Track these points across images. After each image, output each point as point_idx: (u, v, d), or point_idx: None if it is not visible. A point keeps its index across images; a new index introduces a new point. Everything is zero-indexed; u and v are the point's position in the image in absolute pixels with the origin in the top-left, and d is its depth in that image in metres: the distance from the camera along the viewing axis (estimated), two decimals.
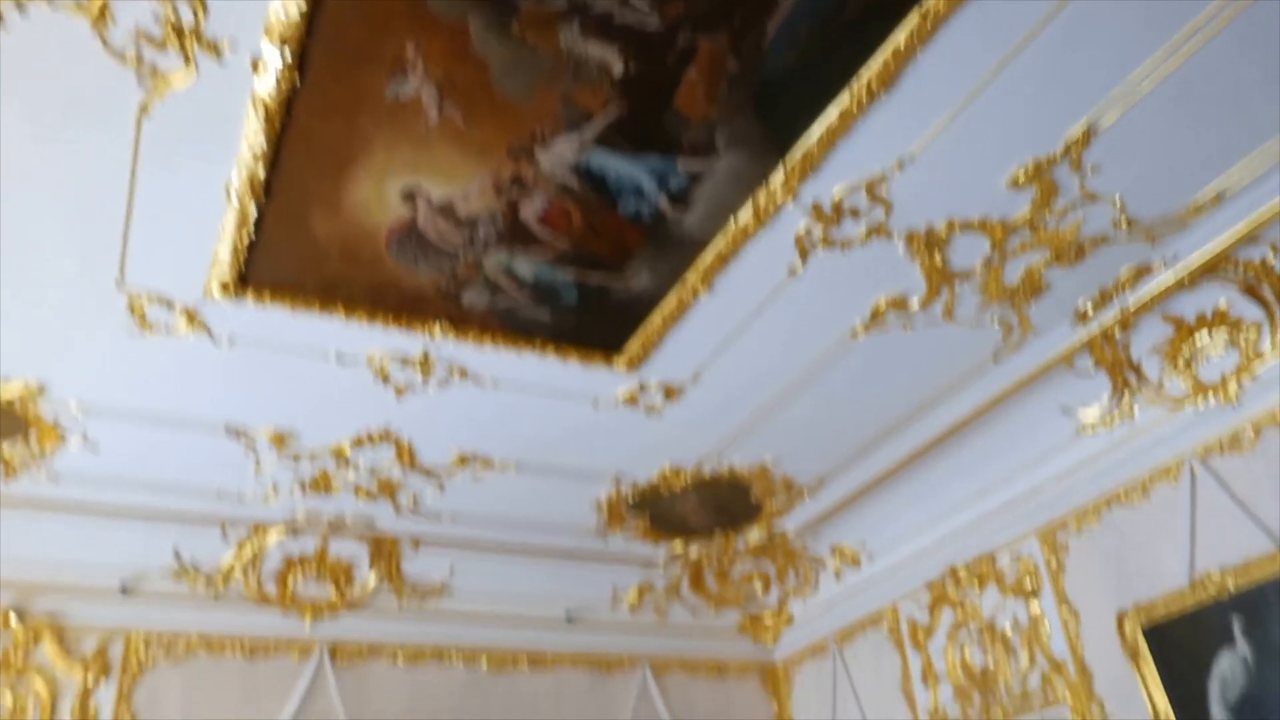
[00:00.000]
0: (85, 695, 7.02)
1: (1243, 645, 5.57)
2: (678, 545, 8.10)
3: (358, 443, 6.38)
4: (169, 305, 4.91)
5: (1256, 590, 5.49)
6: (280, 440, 6.26)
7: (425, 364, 5.60)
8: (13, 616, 6.94)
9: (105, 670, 7.18)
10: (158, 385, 5.60)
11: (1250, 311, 5.49)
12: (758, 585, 8.86)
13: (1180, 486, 6.11)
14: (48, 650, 7.02)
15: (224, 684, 7.50)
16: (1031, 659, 6.96)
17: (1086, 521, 6.71)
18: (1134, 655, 6.10)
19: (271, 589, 7.69)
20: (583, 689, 8.69)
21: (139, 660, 7.32)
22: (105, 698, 7.10)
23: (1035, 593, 7.02)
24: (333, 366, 5.52)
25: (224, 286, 4.76)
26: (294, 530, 7.38)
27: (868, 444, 6.85)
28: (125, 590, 7.36)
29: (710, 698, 9.15)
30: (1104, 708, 6.39)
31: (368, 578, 7.88)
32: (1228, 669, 5.66)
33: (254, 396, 5.82)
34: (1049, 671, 6.80)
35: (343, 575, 7.83)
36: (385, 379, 5.69)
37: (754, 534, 8.03)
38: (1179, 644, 5.90)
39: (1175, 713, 5.84)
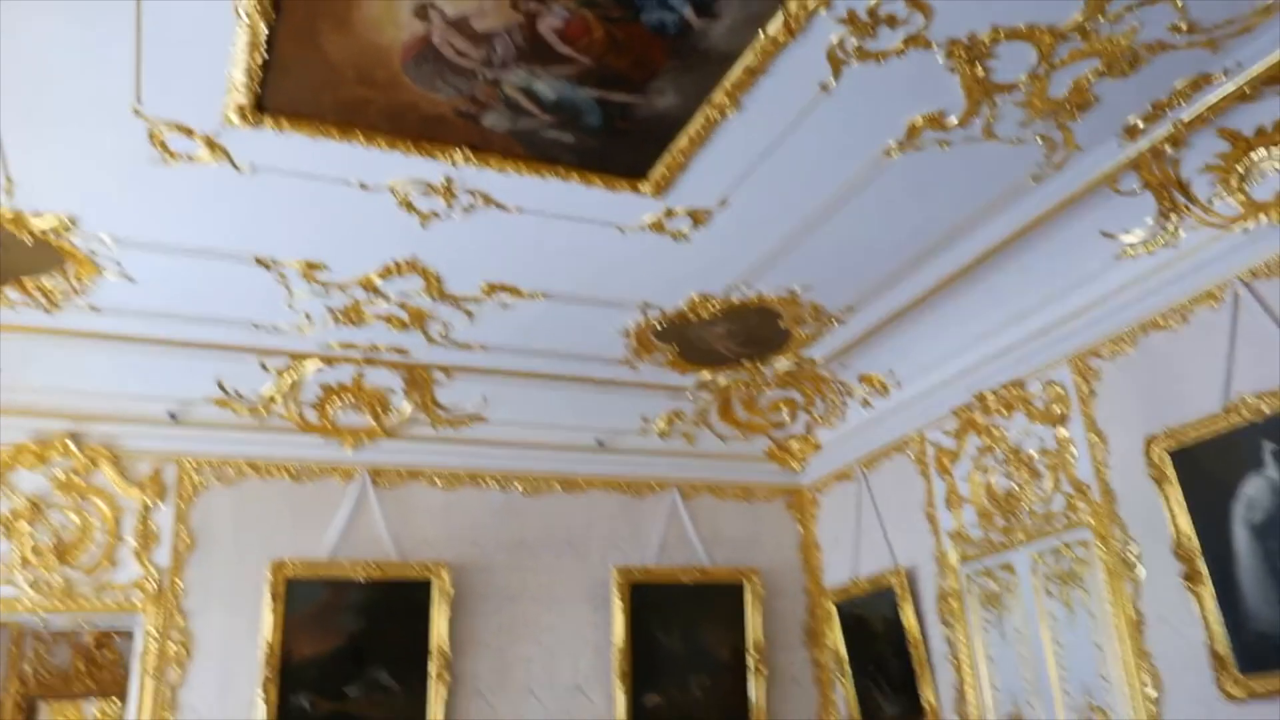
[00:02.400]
0: (145, 515, 7.45)
1: (1272, 469, 5.57)
2: (706, 374, 8.15)
3: (385, 273, 6.40)
4: (188, 133, 4.87)
5: None
6: (310, 271, 6.30)
7: (448, 191, 5.53)
8: (70, 443, 7.29)
9: (161, 492, 7.55)
10: (185, 216, 5.64)
11: None
12: (785, 413, 8.95)
13: (1222, 310, 5.98)
14: (106, 474, 7.42)
15: (273, 505, 7.89)
16: (1056, 483, 7.04)
17: (1121, 347, 6.64)
18: (1160, 479, 6.13)
19: (312, 416, 7.94)
20: (614, 511, 8.99)
21: (192, 483, 7.67)
22: (164, 517, 7.53)
23: (1064, 419, 7.03)
24: (356, 194, 5.48)
25: (241, 112, 4.70)
26: (330, 360, 7.52)
27: (899, 270, 6.73)
28: (174, 418, 7.64)
29: (737, 520, 9.44)
30: (1125, 530, 6.49)
31: (404, 406, 8.07)
32: (1254, 492, 5.69)
33: (280, 227, 5.83)
34: (1073, 495, 6.89)
35: (379, 404, 8.02)
36: (409, 207, 5.64)
37: (782, 362, 8.04)
38: (1206, 468, 5.92)
39: (1198, 535, 5.91)
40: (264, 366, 7.45)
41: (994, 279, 6.81)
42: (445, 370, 7.81)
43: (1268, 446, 5.58)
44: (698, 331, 7.33)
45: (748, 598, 8.96)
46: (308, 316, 6.86)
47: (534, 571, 8.47)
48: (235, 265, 6.18)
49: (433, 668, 7.78)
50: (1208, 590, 5.84)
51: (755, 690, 8.78)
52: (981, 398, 7.67)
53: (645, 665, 8.44)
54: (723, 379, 8.28)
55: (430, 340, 7.29)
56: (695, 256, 6.31)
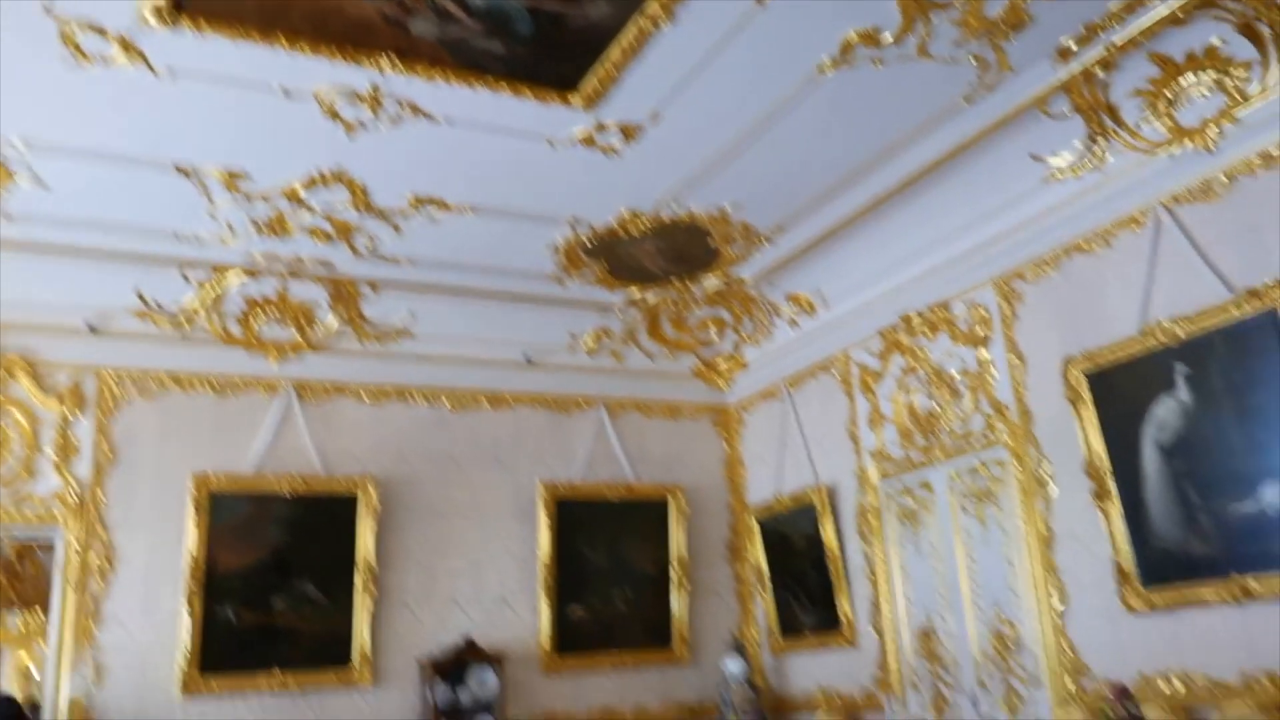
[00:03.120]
0: (64, 427, 7.27)
1: (1183, 391, 5.76)
2: (635, 291, 8.12)
3: (310, 183, 6.22)
4: (102, 33, 4.64)
5: (1204, 338, 5.61)
6: (231, 180, 6.10)
7: (375, 99, 5.36)
8: None
9: (81, 404, 7.36)
10: (102, 120, 5.41)
11: (1243, 50, 5.24)
12: (713, 331, 8.99)
13: (1144, 235, 6.10)
14: (23, 385, 7.20)
15: (196, 418, 7.75)
16: (975, 403, 7.22)
17: (1044, 270, 6.76)
18: (1075, 400, 6.31)
19: (236, 330, 7.75)
20: (541, 427, 9.00)
21: (113, 395, 7.49)
22: (84, 430, 7.35)
23: (985, 340, 7.17)
24: (279, 101, 5.28)
25: (158, 12, 4.49)
26: (253, 272, 7.32)
27: (830, 190, 6.73)
28: (93, 329, 7.40)
29: (664, 438, 9.53)
30: (1040, 449, 6.69)
31: (329, 320, 7.91)
32: (1164, 414, 5.89)
33: (200, 133, 5.62)
34: (991, 415, 7.07)
35: (304, 317, 7.85)
36: (334, 116, 5.46)
37: (711, 281, 8.05)
38: (1120, 390, 6.10)
39: (1109, 455, 6.12)
40: (185, 278, 7.23)
41: (923, 201, 6.85)
42: (372, 284, 7.66)
43: (1180, 370, 5.77)
44: (627, 248, 7.28)
45: (672, 514, 9.11)
46: (230, 227, 6.66)
47: (461, 486, 8.49)
48: (154, 173, 5.96)
49: (359, 580, 7.80)
50: (1116, 508, 6.08)
51: (677, 603, 8.99)
52: (907, 319, 7.79)
53: (570, 578, 8.58)
54: (651, 297, 8.26)
55: (356, 254, 7.13)
56: (626, 172, 6.23)
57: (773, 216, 7.03)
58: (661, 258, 7.47)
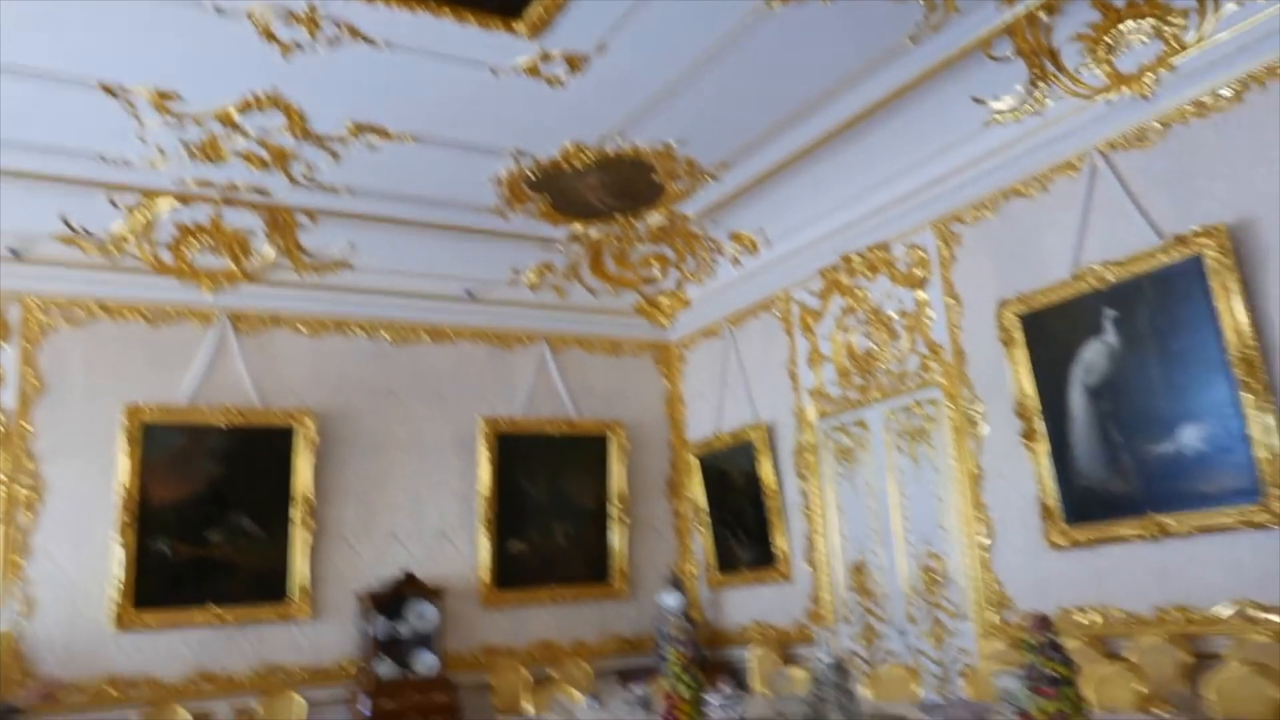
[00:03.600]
0: None
1: (1111, 334, 5.91)
2: (578, 226, 8.06)
3: (244, 107, 6.02)
4: None
5: (1133, 283, 5.76)
6: (161, 101, 5.87)
7: (311, 20, 5.18)
8: None
9: (4, 332, 7.14)
10: (23, 36, 5.13)
11: None
12: (656, 269, 8.98)
13: (1079, 180, 6.21)
14: None
15: (127, 348, 7.57)
16: (912, 343, 7.34)
17: (982, 213, 6.85)
18: (1008, 342, 6.45)
19: (168, 258, 7.54)
20: (482, 362, 8.97)
21: (39, 323, 7.27)
22: (8, 359, 7.14)
23: (923, 282, 7.27)
24: (211, 19, 5.06)
25: None
26: (185, 199, 7.09)
27: (775, 127, 6.70)
28: (15, 254, 7.15)
29: (605, 374, 9.56)
30: (973, 390, 6.85)
31: (266, 250, 7.73)
32: (1092, 356, 6.05)
33: (128, 52, 5.38)
34: (927, 355, 7.20)
35: (239, 246, 7.66)
36: (269, 36, 5.27)
37: (655, 217, 8.01)
38: (1052, 332, 6.24)
39: (1039, 395, 6.29)
40: (114, 203, 6.98)
41: (866, 142, 6.86)
42: (309, 214, 7.48)
43: (1109, 314, 5.92)
44: (571, 182, 7.20)
45: (612, 450, 9.17)
46: (160, 151, 6.43)
47: (401, 420, 8.44)
48: (79, 92, 5.70)
49: (296, 514, 7.76)
50: (1043, 447, 6.26)
51: (616, 538, 9.10)
52: (848, 259, 7.86)
53: (510, 513, 8.62)
54: (595, 232, 8.21)
55: (293, 181, 6.95)
56: (570, 103, 6.13)
57: (717, 153, 6.99)
58: (605, 193, 7.41)
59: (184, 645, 7.32)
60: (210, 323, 7.85)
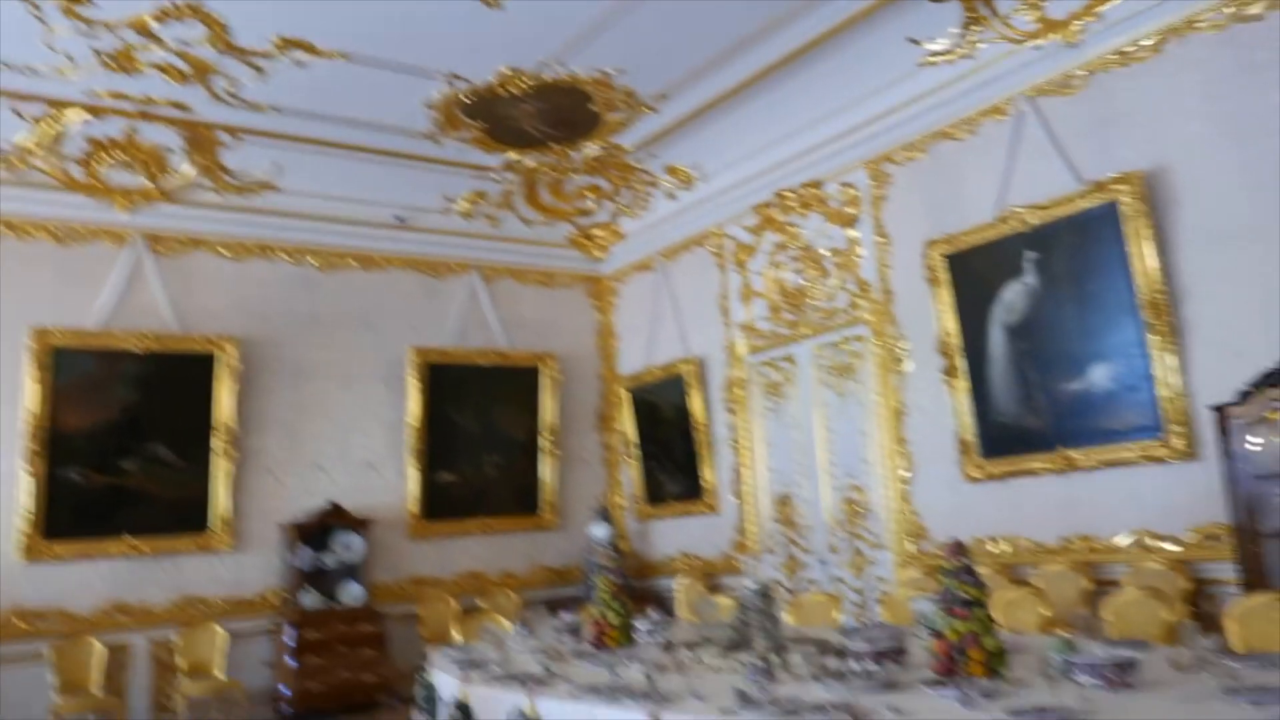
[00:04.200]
0: None
1: (1030, 275, 6.08)
2: (513, 154, 7.92)
3: (162, 15, 5.71)
4: None
5: (1053, 226, 5.92)
6: (71, 6, 5.54)
7: None
8: None
9: None
10: None
11: None
12: (591, 200, 8.90)
13: (1006, 124, 6.32)
14: None
15: (35, 268, 7.27)
16: (842, 281, 7.45)
17: (913, 154, 6.94)
18: (934, 281, 6.58)
19: (78, 173, 7.20)
20: (412, 290, 8.85)
21: None
22: None
23: (855, 220, 7.36)
24: None
25: None
26: (97, 111, 6.76)
27: (714, 60, 6.63)
28: None
29: (537, 305, 9.52)
30: (899, 327, 6.99)
31: (185, 168, 7.45)
32: (1012, 297, 6.22)
33: None
34: (856, 293, 7.32)
35: (156, 164, 7.36)
36: None
37: (591, 148, 7.91)
38: (975, 272, 6.39)
39: (961, 333, 6.46)
40: (18, 114, 6.63)
41: (803, 79, 6.85)
42: (232, 131, 7.20)
43: (1029, 256, 6.08)
44: (507, 109, 7.05)
45: (544, 382, 9.18)
46: (70, 59, 6.10)
47: (328, 349, 8.31)
48: None
49: (217, 443, 7.62)
50: (963, 384, 6.45)
51: (547, 470, 9.14)
52: (782, 196, 7.90)
53: (439, 444, 8.59)
54: (530, 161, 8.08)
55: (215, 97, 6.67)
56: (508, 25, 5.96)
57: (656, 84, 6.91)
58: (541, 121, 7.28)
59: (97, 577, 7.19)
60: (125, 243, 7.59)
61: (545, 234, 9.34)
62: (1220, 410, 4.91)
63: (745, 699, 2.83)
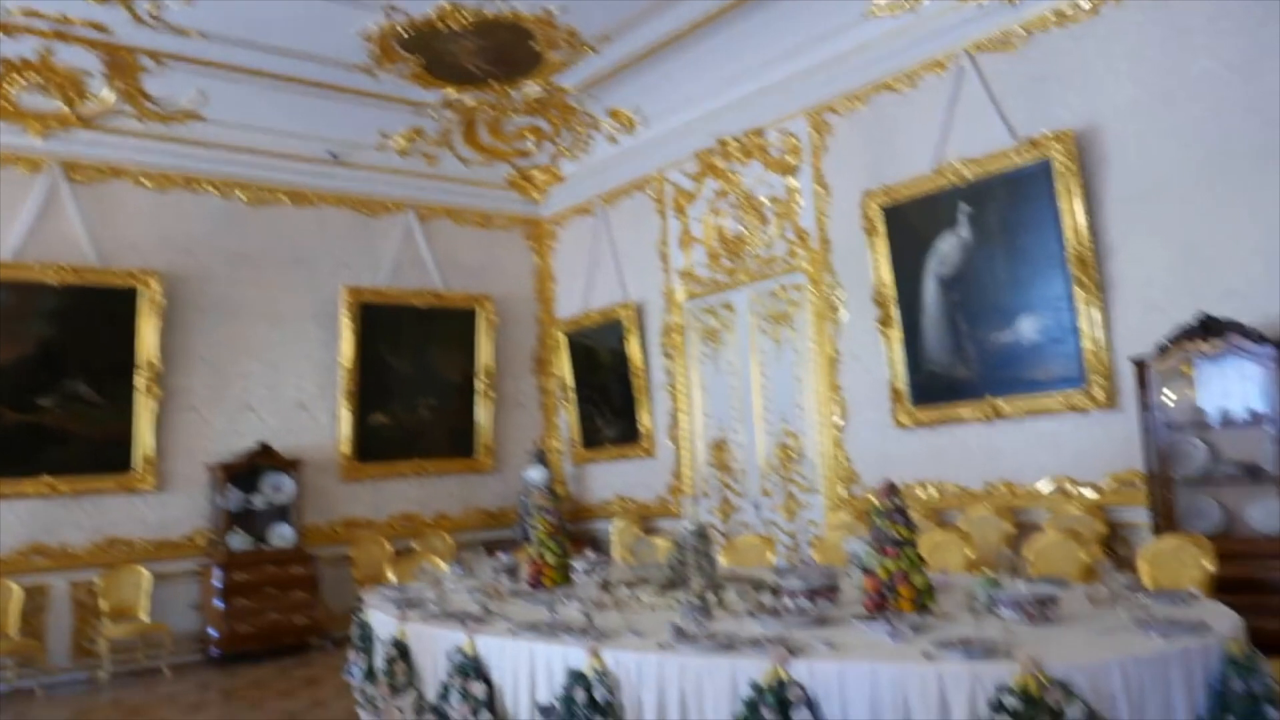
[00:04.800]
0: None
1: (964, 228, 6.18)
2: (452, 92, 7.75)
3: None
4: None
5: (987, 181, 6.01)
6: None
7: None
8: None
9: None
10: None
11: None
12: (531, 141, 8.78)
13: (946, 78, 6.37)
14: None
15: None
16: (780, 229, 7.49)
17: (854, 104, 6.96)
18: (871, 231, 6.65)
19: None
20: (345, 228, 8.65)
21: None
22: None
23: (795, 169, 7.38)
24: None
25: None
26: (8, 29, 6.43)
27: (658, 2, 6.55)
28: None
29: (474, 247, 9.39)
30: (835, 275, 7.06)
31: (104, 93, 7.14)
32: (946, 248, 6.32)
33: None
34: (794, 241, 7.36)
35: (73, 88, 7.04)
36: None
37: (532, 87, 7.78)
38: (911, 224, 6.47)
39: (896, 283, 6.55)
40: None
41: (747, 25, 6.81)
42: (155, 56, 6.91)
43: (964, 208, 6.17)
44: (446, 44, 6.88)
45: (480, 324, 9.10)
46: None
47: (258, 286, 8.10)
48: None
49: (140, 381, 7.42)
50: (896, 334, 6.56)
51: (482, 413, 9.10)
52: (723, 142, 7.88)
53: (373, 385, 8.48)
54: (469, 99, 7.92)
55: (137, 19, 6.38)
56: None
57: (599, 24, 6.80)
58: (482, 58, 7.12)
59: (14, 517, 6.99)
60: (39, 170, 7.28)
61: (483, 174, 9.20)
62: (1139, 363, 5.09)
63: (682, 634, 2.88)
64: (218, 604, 7.24)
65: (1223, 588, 3.45)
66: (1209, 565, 3.64)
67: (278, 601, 7.42)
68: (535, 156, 9.06)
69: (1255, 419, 4.76)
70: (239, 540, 7.50)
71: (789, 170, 7.41)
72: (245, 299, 8.02)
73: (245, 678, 6.68)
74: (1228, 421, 4.89)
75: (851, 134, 7.00)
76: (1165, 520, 4.92)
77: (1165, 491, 4.98)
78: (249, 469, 7.66)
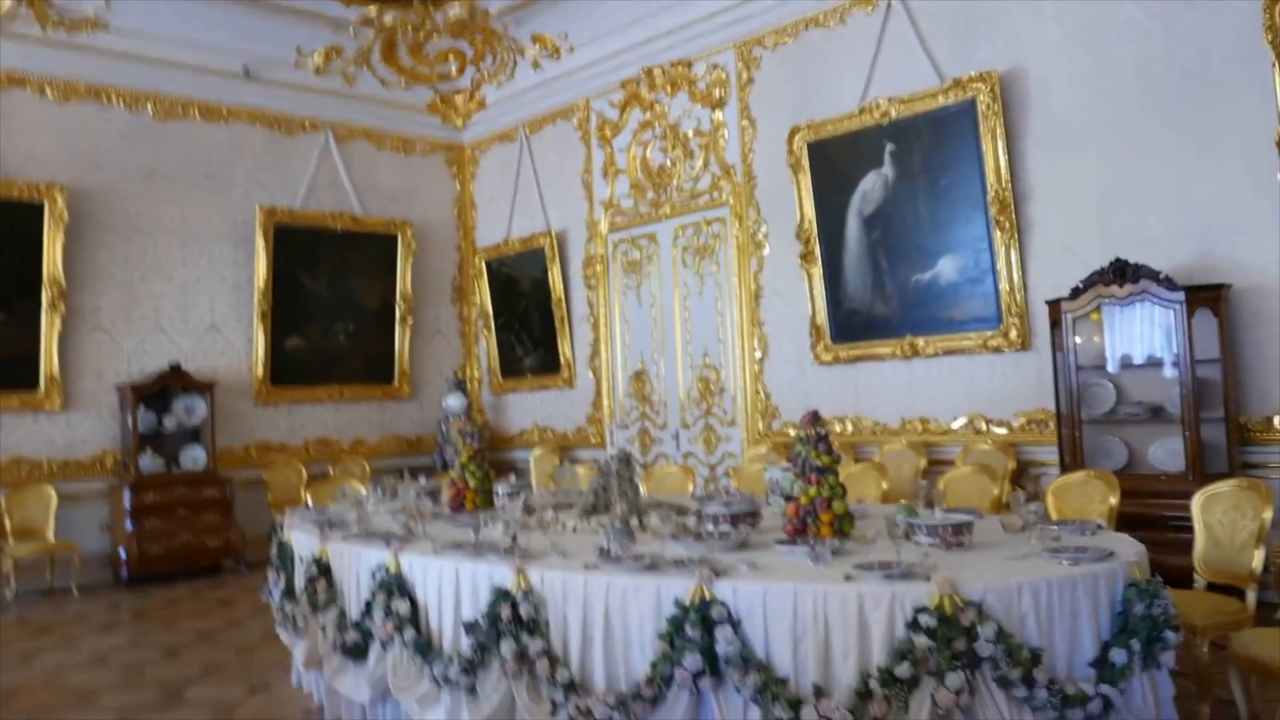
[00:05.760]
0: None
1: (888, 167, 6.27)
2: (372, 9, 7.48)
3: None
4: None
5: (912, 120, 6.09)
6: None
7: None
8: None
9: None
10: None
11: None
12: (453, 65, 8.52)
13: (875, 16, 6.39)
14: None
15: None
16: (705, 163, 7.49)
17: (783, 39, 6.95)
18: (796, 168, 6.70)
19: None
20: (260, 146, 8.35)
21: None
22: None
23: (722, 102, 7.37)
24: None
25: None
26: None
27: None
28: None
29: (394, 171, 9.17)
30: (759, 211, 7.11)
31: None
32: (870, 187, 6.41)
33: None
34: (719, 175, 7.38)
35: None
36: None
37: (455, 8, 7.55)
38: (836, 161, 6.53)
39: (818, 219, 6.63)
40: None
41: None
42: None
43: (888, 147, 6.25)
44: None
45: (400, 250, 8.93)
46: None
47: (168, 203, 7.80)
48: None
49: (45, 298, 7.13)
50: (818, 270, 6.65)
51: (401, 339, 8.99)
52: (650, 72, 7.80)
53: (288, 308, 8.29)
54: (389, 18, 7.65)
55: None
56: None
57: None
58: None
59: None
60: None
61: (403, 97, 8.92)
62: (1054, 305, 5.27)
63: (607, 555, 2.93)
64: (128, 525, 7.10)
65: (1124, 523, 3.63)
66: (1113, 500, 3.81)
67: (190, 523, 7.30)
68: (457, 81, 8.82)
69: (1161, 362, 5.00)
70: (150, 462, 7.34)
71: (716, 104, 7.39)
72: (156, 217, 7.73)
73: (157, 598, 6.59)
74: (1135, 364, 5.12)
75: (779, 69, 7.00)
76: (1072, 458, 5.15)
77: (1073, 431, 5.20)
78: (160, 390, 7.47)
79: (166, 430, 7.49)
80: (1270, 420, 4.87)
